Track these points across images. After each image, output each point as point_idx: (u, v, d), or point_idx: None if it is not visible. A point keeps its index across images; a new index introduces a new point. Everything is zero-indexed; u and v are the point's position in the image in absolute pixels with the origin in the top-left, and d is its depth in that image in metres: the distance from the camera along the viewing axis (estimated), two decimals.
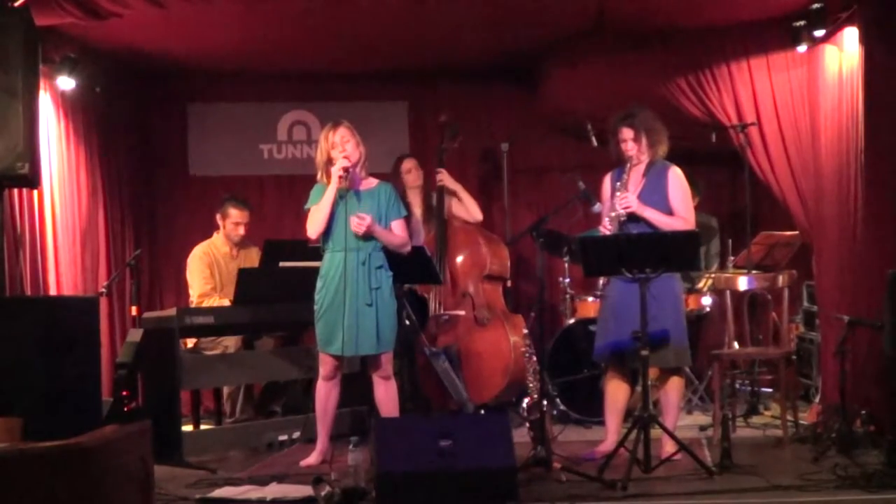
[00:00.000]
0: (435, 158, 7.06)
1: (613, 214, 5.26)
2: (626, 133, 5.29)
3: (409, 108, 8.08)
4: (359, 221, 5.18)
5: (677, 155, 5.40)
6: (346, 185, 5.24)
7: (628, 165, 5.31)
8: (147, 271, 7.62)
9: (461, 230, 6.85)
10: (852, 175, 5.64)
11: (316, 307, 5.32)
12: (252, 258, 6.81)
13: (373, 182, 5.41)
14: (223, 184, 7.65)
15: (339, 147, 5.26)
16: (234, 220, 6.74)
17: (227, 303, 6.34)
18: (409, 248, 5.38)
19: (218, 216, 6.81)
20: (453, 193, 6.86)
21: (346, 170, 5.20)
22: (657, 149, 5.30)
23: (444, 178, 6.82)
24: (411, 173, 6.90)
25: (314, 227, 5.27)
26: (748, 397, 6.61)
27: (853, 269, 5.67)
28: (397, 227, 5.36)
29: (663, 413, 5.33)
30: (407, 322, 6.47)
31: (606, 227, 5.26)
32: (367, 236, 5.24)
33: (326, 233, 5.29)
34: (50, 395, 4.50)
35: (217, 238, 6.82)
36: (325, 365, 5.37)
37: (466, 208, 6.85)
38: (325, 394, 5.41)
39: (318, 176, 5.34)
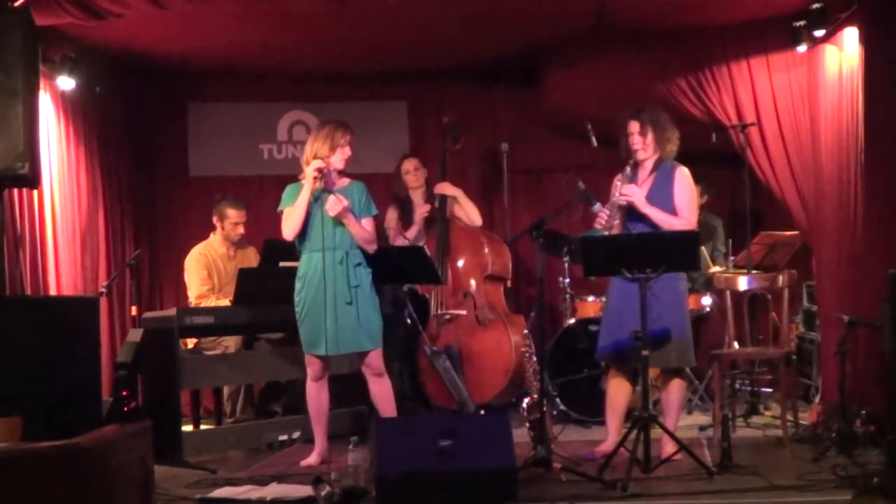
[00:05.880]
0: (435, 158, 7.07)
1: (613, 200, 5.27)
2: (633, 126, 5.29)
3: (409, 107, 8.08)
4: (336, 199, 5.20)
5: (677, 155, 5.39)
6: (321, 186, 5.26)
7: (633, 160, 5.31)
8: (147, 271, 7.62)
9: (463, 230, 6.85)
10: (852, 175, 5.63)
11: (297, 309, 5.33)
12: (249, 258, 6.82)
13: (345, 181, 5.41)
14: (223, 184, 7.64)
15: (347, 149, 5.32)
16: (233, 220, 6.74)
17: (226, 303, 6.34)
18: (375, 247, 5.38)
19: (215, 218, 6.80)
20: (454, 199, 6.87)
21: (320, 170, 5.23)
22: (665, 147, 5.29)
23: (445, 187, 6.83)
24: (411, 174, 6.89)
25: (290, 228, 5.30)
26: (748, 397, 6.61)
27: (853, 269, 5.67)
28: (367, 224, 5.37)
29: (664, 414, 5.32)
30: (408, 321, 6.47)
31: (603, 215, 5.25)
32: (342, 232, 5.25)
33: (303, 234, 5.31)
34: (50, 395, 4.50)
35: (214, 239, 6.82)
36: (311, 366, 5.39)
37: (467, 213, 6.86)
38: (316, 394, 5.42)
39: (307, 156, 5.33)
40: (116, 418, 5.13)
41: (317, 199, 5.27)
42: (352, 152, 5.35)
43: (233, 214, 6.74)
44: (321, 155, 5.28)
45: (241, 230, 6.78)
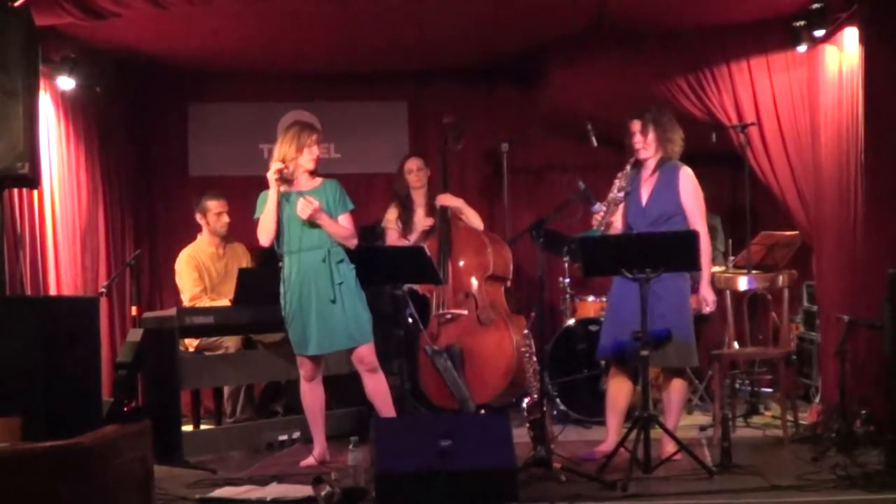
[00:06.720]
0: (436, 158, 7.07)
1: (611, 197, 5.28)
2: (634, 125, 5.30)
3: (409, 108, 8.07)
4: (305, 202, 5.20)
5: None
6: (287, 188, 5.27)
7: (633, 159, 5.32)
8: (147, 271, 7.61)
9: (465, 231, 6.86)
10: (852, 175, 5.64)
11: (283, 312, 5.32)
12: (238, 254, 6.82)
13: (318, 181, 5.41)
14: (223, 184, 7.61)
15: (315, 148, 5.33)
16: (215, 210, 6.72)
17: (226, 302, 6.34)
18: (355, 242, 5.37)
19: (198, 216, 6.78)
20: (457, 209, 6.87)
21: (279, 172, 5.25)
22: (667, 147, 5.29)
23: (446, 199, 6.83)
24: (414, 174, 6.88)
25: (264, 234, 5.31)
26: (748, 397, 6.61)
27: (853, 269, 5.67)
28: (344, 220, 5.36)
29: (665, 413, 5.31)
30: (410, 321, 6.47)
31: (598, 215, 5.26)
32: (320, 231, 5.25)
33: (280, 237, 5.30)
34: (50, 395, 4.50)
35: (201, 240, 6.80)
36: (303, 367, 5.40)
37: (469, 221, 6.88)
38: (311, 394, 5.42)
39: (274, 160, 5.35)
40: (116, 418, 5.13)
41: (288, 201, 5.27)
42: (320, 151, 5.38)
43: (214, 205, 6.73)
44: (289, 157, 5.29)
45: (225, 219, 6.76)
